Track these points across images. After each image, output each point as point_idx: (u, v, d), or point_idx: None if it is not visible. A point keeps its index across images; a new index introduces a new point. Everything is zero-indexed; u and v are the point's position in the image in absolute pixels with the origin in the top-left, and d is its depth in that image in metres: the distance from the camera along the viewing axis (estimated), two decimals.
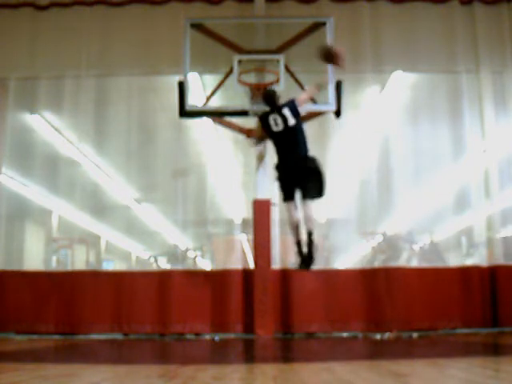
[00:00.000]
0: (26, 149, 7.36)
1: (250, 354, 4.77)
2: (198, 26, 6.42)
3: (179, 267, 7.17)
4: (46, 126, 7.79)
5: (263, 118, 5.64)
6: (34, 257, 7.63)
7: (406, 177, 7.09)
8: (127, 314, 6.62)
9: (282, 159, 5.56)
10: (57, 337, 6.50)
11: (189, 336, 6.55)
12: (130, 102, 7.37)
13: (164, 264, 8.06)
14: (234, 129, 6.73)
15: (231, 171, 7.83)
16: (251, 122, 6.72)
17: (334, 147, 7.32)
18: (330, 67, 6.10)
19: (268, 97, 5.71)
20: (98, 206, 7.30)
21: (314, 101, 6.28)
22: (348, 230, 7.19)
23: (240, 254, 6.96)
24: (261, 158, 6.87)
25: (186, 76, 6.24)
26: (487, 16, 7.28)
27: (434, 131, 7.23)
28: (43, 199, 7.55)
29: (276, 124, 5.50)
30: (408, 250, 7.45)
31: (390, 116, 7.32)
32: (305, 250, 5.50)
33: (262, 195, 6.72)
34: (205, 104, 6.38)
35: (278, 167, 5.58)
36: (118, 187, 8.62)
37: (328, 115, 6.50)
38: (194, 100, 6.41)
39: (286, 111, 5.52)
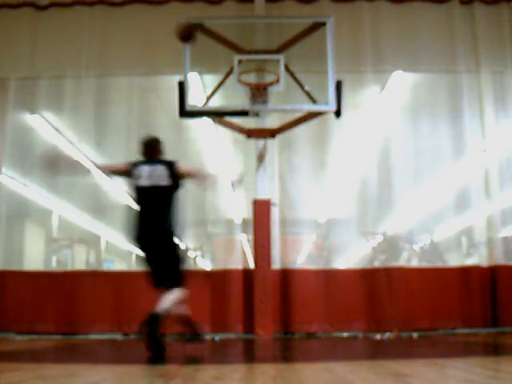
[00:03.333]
0: (26, 149, 7.36)
1: (250, 354, 4.77)
2: (198, 26, 6.41)
3: None
4: (46, 126, 7.78)
5: (134, 165, 4.36)
6: (34, 257, 7.62)
7: (406, 176, 7.09)
8: (127, 314, 6.62)
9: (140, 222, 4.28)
10: (57, 337, 6.50)
11: None
12: (130, 102, 7.37)
13: None
14: (233, 129, 6.73)
15: (231, 171, 7.82)
16: (251, 122, 6.73)
17: (334, 147, 7.33)
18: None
19: (147, 145, 4.47)
20: (98, 206, 7.30)
21: (314, 101, 6.29)
22: (348, 230, 7.19)
23: (240, 254, 6.95)
24: (261, 158, 6.87)
25: (186, 76, 6.24)
26: (487, 16, 7.28)
27: (434, 131, 7.23)
28: (43, 199, 7.55)
29: (145, 177, 4.27)
30: (408, 250, 7.46)
31: (390, 116, 7.32)
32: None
33: (262, 195, 6.72)
34: (205, 104, 6.38)
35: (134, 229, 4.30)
36: (118, 187, 8.60)
37: (328, 115, 6.50)
38: (194, 100, 6.41)
39: (162, 168, 4.29)
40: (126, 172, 4.38)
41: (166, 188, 4.29)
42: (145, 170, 4.30)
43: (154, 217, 4.25)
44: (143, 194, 4.30)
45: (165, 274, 4.26)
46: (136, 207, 4.31)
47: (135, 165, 4.37)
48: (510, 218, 6.98)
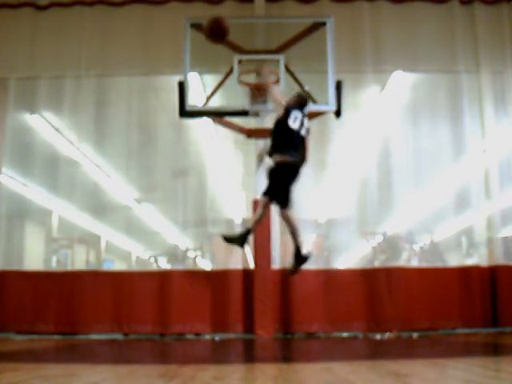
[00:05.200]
0: (26, 149, 7.36)
1: (250, 354, 4.77)
2: (198, 26, 6.41)
3: (179, 267, 7.17)
4: (46, 126, 7.79)
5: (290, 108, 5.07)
6: (34, 257, 7.63)
7: (406, 177, 7.09)
8: (127, 314, 6.62)
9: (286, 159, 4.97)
10: (57, 337, 6.51)
11: (189, 336, 6.55)
12: (130, 101, 7.38)
13: (164, 264, 8.06)
14: (233, 129, 6.73)
15: (231, 171, 7.82)
16: (251, 122, 6.73)
17: (335, 147, 7.32)
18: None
19: (304, 101, 5.21)
20: (98, 206, 7.30)
21: (314, 101, 6.29)
22: (348, 230, 7.19)
23: (240, 254, 6.95)
24: (261, 158, 6.86)
25: (186, 76, 6.23)
26: (487, 16, 7.28)
27: (434, 131, 7.23)
28: (43, 199, 7.55)
29: (296, 121, 4.98)
30: (408, 250, 7.45)
31: (390, 116, 7.32)
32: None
33: None
34: (205, 104, 6.37)
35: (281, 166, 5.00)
36: (118, 187, 8.61)
37: (328, 115, 6.50)
38: (194, 100, 6.41)
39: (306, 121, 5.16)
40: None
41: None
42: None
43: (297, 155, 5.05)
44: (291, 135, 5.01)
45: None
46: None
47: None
48: (510, 218, 6.99)
